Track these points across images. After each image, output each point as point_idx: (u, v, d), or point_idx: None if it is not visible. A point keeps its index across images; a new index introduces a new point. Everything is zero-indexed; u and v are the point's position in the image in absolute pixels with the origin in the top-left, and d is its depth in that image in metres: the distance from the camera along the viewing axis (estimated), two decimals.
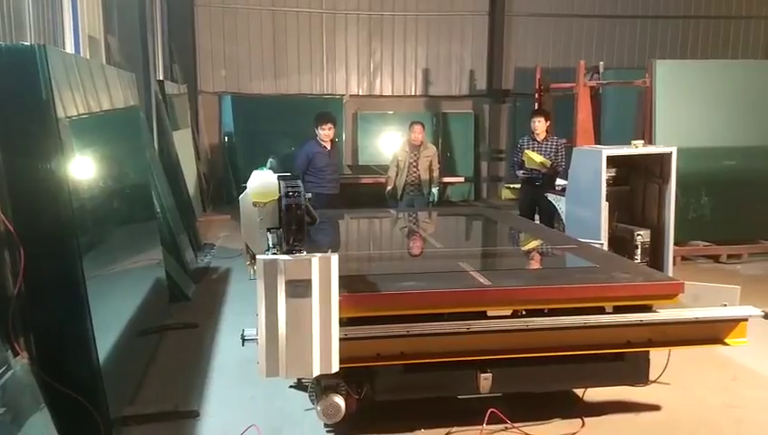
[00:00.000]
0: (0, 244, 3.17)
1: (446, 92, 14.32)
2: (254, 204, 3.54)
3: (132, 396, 4.14)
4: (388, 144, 12.77)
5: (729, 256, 8.16)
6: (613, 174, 6.13)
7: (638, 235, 5.87)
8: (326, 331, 2.87)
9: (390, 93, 14.21)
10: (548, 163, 7.54)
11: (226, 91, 13.52)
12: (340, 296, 2.95)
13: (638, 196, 6.33)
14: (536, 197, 7.66)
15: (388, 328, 3.29)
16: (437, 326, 3.34)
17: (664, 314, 3.58)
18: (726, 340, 3.64)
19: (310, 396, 3.57)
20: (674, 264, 6.53)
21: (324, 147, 7.55)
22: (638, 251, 5.83)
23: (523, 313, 3.49)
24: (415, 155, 8.22)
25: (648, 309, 3.60)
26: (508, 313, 3.47)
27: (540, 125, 7.71)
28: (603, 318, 3.51)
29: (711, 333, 3.65)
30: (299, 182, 3.41)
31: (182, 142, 10.23)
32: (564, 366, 3.63)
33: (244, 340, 3.20)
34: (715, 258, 8.22)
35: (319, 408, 3.40)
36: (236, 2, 13.40)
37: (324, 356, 2.88)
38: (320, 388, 3.43)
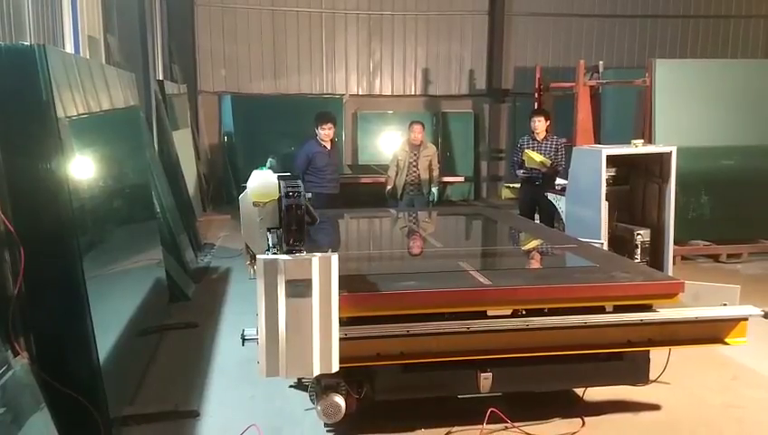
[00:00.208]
0: (0, 244, 3.17)
1: (446, 92, 14.33)
2: (254, 204, 3.54)
3: (132, 396, 4.14)
4: (388, 144, 12.77)
5: (729, 256, 8.16)
6: (613, 173, 6.13)
7: (638, 234, 5.88)
8: (326, 331, 2.87)
9: (390, 93, 14.21)
10: (548, 163, 7.54)
11: (226, 90, 13.52)
12: (339, 296, 2.95)
13: (638, 195, 6.33)
14: (536, 196, 7.66)
15: (387, 328, 3.29)
16: (437, 326, 3.34)
17: (664, 313, 3.57)
18: (726, 339, 3.64)
19: (310, 396, 3.57)
20: (674, 263, 6.53)
21: (324, 146, 7.55)
22: (638, 250, 5.84)
23: (523, 312, 3.49)
24: (415, 155, 8.22)
25: (648, 309, 3.60)
26: (508, 312, 3.46)
27: (540, 125, 7.71)
28: (603, 318, 3.51)
29: (711, 332, 3.65)
30: (299, 182, 3.41)
31: (182, 142, 10.22)
32: (564, 366, 3.63)
33: (244, 340, 3.21)
34: (715, 258, 8.22)
35: (319, 407, 3.40)
36: (236, 2, 13.40)
37: (324, 356, 2.88)
38: (320, 388, 3.43)
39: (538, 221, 7.48)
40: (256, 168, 3.94)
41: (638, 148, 6.09)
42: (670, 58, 12.74)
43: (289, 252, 2.98)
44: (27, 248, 3.14)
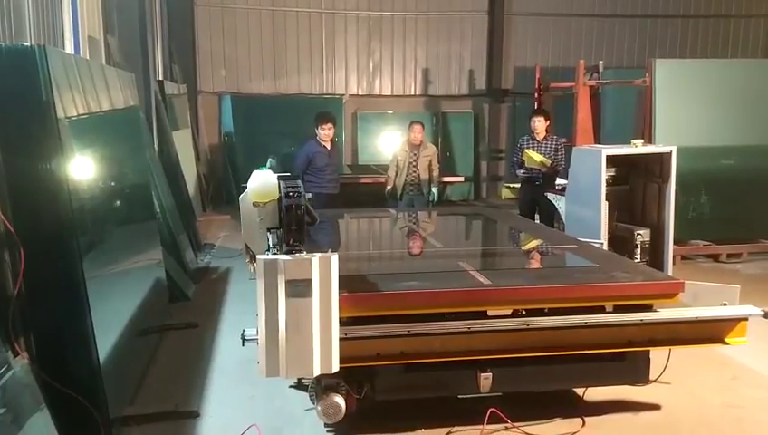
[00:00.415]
0: (0, 244, 3.17)
1: (446, 92, 14.33)
2: (255, 204, 3.55)
3: (132, 396, 4.14)
4: (388, 144, 12.77)
5: (729, 256, 8.16)
6: (613, 173, 6.13)
7: (638, 234, 5.88)
8: (326, 331, 2.87)
9: (390, 93, 14.21)
10: (548, 163, 7.54)
11: (226, 91, 13.52)
12: (339, 296, 2.95)
13: (638, 195, 6.34)
14: (536, 196, 7.66)
15: (388, 328, 3.29)
16: (438, 326, 3.34)
17: (664, 313, 3.57)
18: (726, 339, 3.64)
19: (310, 396, 3.57)
20: (674, 263, 6.53)
21: (324, 147, 7.56)
22: (638, 250, 5.84)
23: (524, 312, 3.49)
24: (414, 154, 8.23)
25: (648, 308, 3.60)
26: (508, 312, 3.46)
27: (540, 124, 7.71)
28: (603, 317, 3.51)
29: (711, 332, 3.65)
30: (299, 182, 3.41)
31: (182, 142, 10.22)
32: (564, 366, 3.63)
33: (244, 340, 3.20)
34: (715, 257, 8.22)
35: (319, 408, 3.40)
36: (236, 2, 13.40)
37: (325, 356, 2.88)
38: (320, 388, 3.43)
39: (538, 221, 7.48)
40: (256, 168, 3.95)
41: (637, 148, 6.09)
42: (670, 58, 12.74)
43: (289, 252, 2.98)
44: (27, 249, 3.14)
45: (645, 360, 3.77)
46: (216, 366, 4.74)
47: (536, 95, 9.98)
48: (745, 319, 3.62)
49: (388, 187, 8.41)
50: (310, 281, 2.82)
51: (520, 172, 7.87)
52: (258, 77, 13.63)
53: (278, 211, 3.41)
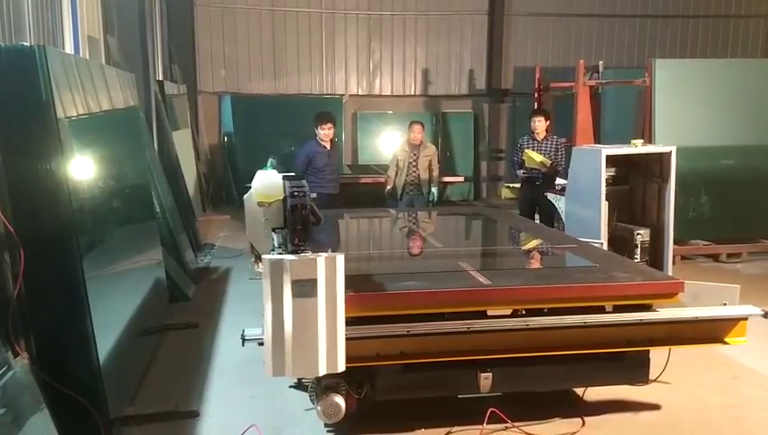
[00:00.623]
0: (0, 244, 3.17)
1: (446, 92, 14.33)
2: (259, 204, 3.55)
3: (132, 396, 4.14)
4: (388, 144, 12.77)
5: (729, 255, 8.16)
6: (613, 173, 6.13)
7: (638, 234, 5.87)
8: (332, 330, 2.88)
9: (390, 93, 14.21)
10: (548, 162, 7.54)
11: (226, 91, 13.51)
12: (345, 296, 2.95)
13: (638, 195, 6.34)
14: (536, 196, 7.66)
15: (388, 328, 3.29)
16: (438, 326, 3.34)
17: (664, 313, 3.57)
18: (726, 339, 3.64)
19: (310, 396, 3.57)
20: (674, 263, 6.53)
21: (324, 147, 7.55)
22: (638, 250, 5.83)
23: (523, 312, 3.49)
24: (414, 154, 8.23)
25: (647, 308, 3.60)
26: (508, 312, 3.46)
27: (540, 124, 7.71)
28: (603, 317, 3.51)
29: (711, 332, 3.65)
30: (304, 182, 3.41)
31: (182, 142, 10.22)
32: (564, 366, 3.63)
33: (244, 340, 3.21)
34: (715, 257, 8.22)
35: (319, 408, 3.40)
36: (236, 2, 13.40)
37: (330, 356, 2.89)
38: (320, 388, 3.43)
39: (538, 221, 7.48)
40: (256, 168, 3.95)
41: (637, 148, 6.09)
42: (670, 58, 12.74)
43: (294, 252, 2.98)
44: (27, 249, 3.14)
45: (644, 360, 3.77)
46: (216, 366, 4.74)
47: (536, 95, 9.98)
48: (745, 319, 3.62)
49: (388, 187, 8.41)
50: (315, 281, 2.82)
51: (520, 172, 7.87)
52: (258, 77, 13.63)
53: (283, 211, 3.41)
